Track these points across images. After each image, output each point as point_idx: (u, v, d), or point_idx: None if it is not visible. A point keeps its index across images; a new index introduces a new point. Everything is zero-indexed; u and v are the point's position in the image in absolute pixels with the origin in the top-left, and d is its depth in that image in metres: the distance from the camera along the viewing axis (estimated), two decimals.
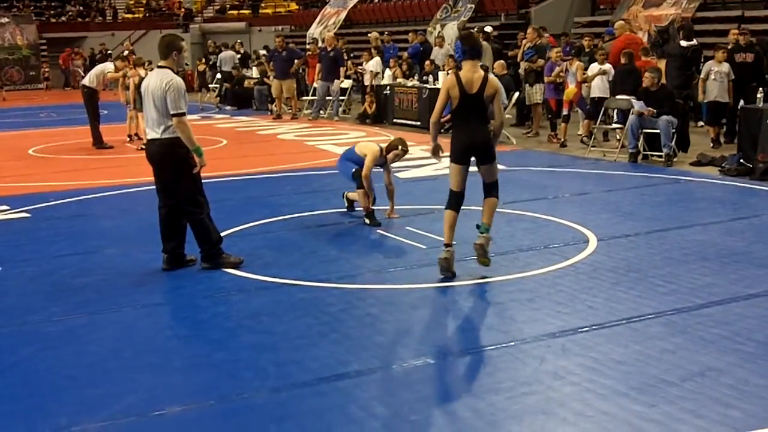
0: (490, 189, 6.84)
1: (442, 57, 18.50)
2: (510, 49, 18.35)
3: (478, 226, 6.82)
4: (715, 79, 13.00)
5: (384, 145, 8.82)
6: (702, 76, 13.24)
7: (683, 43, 14.16)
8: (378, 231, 8.28)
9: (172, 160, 6.81)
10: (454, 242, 6.75)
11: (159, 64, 6.89)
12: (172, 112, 6.66)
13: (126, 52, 20.29)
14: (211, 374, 4.93)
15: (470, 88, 6.58)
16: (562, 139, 14.12)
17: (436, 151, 6.92)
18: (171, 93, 6.62)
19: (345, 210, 9.16)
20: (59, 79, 35.94)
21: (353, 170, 8.63)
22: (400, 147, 8.71)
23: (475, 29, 17.78)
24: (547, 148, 14.04)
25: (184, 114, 6.69)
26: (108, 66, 15.94)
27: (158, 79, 6.73)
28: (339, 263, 7.25)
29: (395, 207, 8.87)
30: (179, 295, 6.50)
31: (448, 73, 16.32)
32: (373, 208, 8.65)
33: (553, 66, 14.51)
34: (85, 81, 15.81)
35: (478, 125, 6.70)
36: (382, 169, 8.87)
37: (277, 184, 11.30)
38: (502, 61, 16.07)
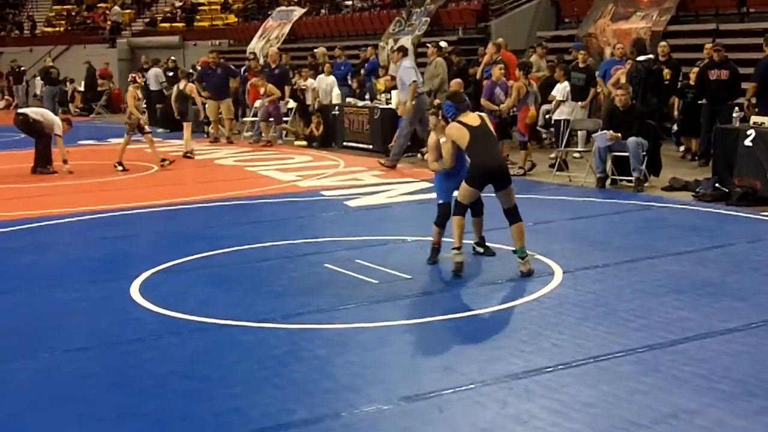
0: (513, 214, 7.80)
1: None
2: (470, 66, 18.57)
3: (515, 252, 7.70)
4: None
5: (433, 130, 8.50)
6: None
7: (639, 58, 14.35)
8: (325, 265, 8.29)
9: None
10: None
11: None
12: None
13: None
14: (141, 426, 4.89)
15: (474, 122, 7.80)
16: (525, 169, 13.65)
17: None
18: None
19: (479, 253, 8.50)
20: None
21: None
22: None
23: (431, 44, 17.99)
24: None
25: None
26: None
27: None
28: (283, 301, 7.25)
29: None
30: (104, 339, 6.43)
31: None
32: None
33: (494, 86, 13.89)
34: (35, 116, 15.23)
35: (494, 150, 7.96)
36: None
37: (215, 214, 11.27)
38: (458, 80, 16.22)
